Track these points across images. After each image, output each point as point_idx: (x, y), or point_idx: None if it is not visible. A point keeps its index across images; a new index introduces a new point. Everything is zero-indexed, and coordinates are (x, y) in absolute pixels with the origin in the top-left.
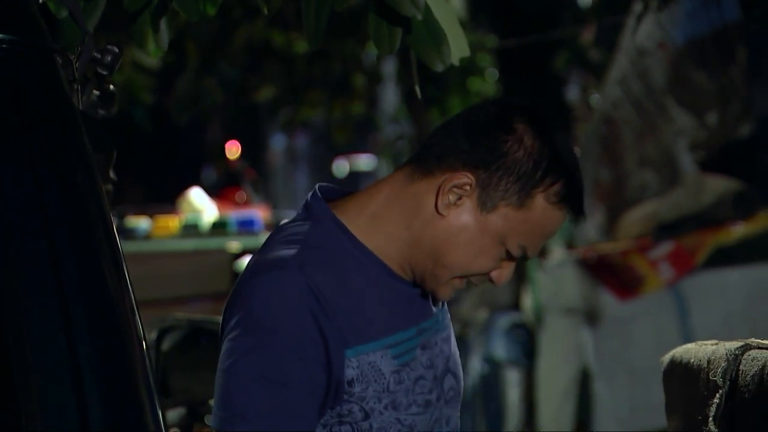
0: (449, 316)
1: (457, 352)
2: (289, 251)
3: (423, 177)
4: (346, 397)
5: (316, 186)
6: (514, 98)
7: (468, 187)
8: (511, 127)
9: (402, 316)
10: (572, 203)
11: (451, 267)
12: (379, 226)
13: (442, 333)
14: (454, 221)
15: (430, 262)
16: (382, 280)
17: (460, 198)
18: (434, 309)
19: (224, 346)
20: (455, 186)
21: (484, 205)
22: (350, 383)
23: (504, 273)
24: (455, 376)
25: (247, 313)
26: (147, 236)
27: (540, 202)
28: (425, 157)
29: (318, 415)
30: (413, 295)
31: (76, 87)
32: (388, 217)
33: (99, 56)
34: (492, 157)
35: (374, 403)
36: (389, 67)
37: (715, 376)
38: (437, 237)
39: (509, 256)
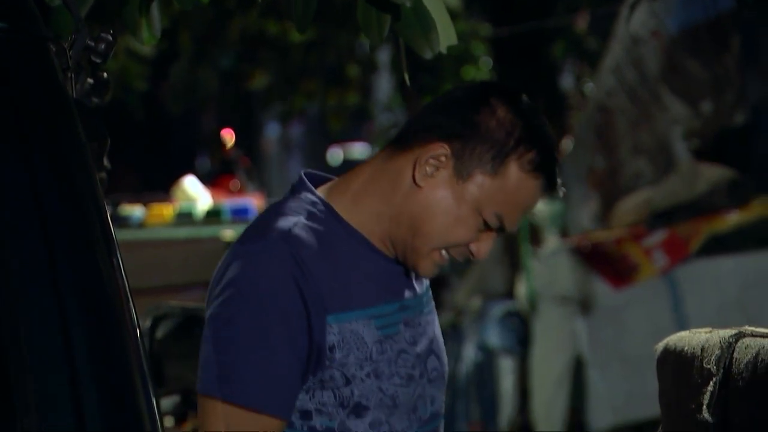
0: (434, 302)
1: (442, 338)
2: (274, 223)
3: (401, 153)
4: (327, 363)
5: (302, 172)
6: (491, 81)
7: (444, 158)
8: (485, 101)
9: (385, 290)
10: (546, 173)
11: (429, 237)
12: (362, 203)
13: (426, 315)
14: (432, 192)
15: (410, 234)
16: (365, 254)
17: (437, 169)
18: (417, 289)
19: (208, 313)
20: (431, 157)
21: (460, 174)
22: (331, 349)
23: (483, 246)
24: (439, 358)
25: (230, 280)
26: (141, 224)
27: (514, 170)
28: (403, 136)
29: (301, 379)
30: (396, 272)
31: (69, 75)
32: (370, 195)
33: (93, 44)
34: (466, 127)
35: (356, 369)
36: (384, 57)
37: (708, 364)
38: (416, 209)
39: (487, 227)
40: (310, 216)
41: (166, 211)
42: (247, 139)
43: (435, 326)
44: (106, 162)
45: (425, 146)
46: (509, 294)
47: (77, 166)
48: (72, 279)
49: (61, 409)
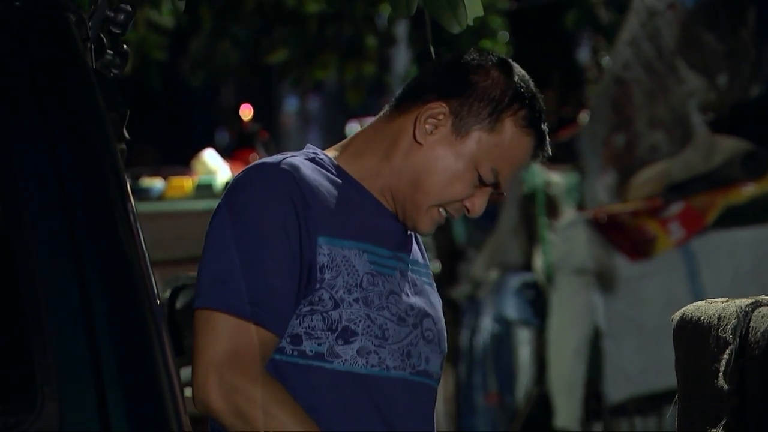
0: (435, 283)
1: (443, 318)
2: (275, 158)
3: (402, 113)
4: (317, 285)
5: (307, 145)
6: (483, 49)
7: (442, 116)
8: (479, 64)
9: (381, 235)
10: (537, 130)
11: (429, 193)
12: (363, 159)
13: (425, 283)
14: (431, 148)
15: (410, 189)
16: (363, 201)
17: (436, 127)
18: (418, 257)
19: (208, 228)
20: (430, 116)
21: (459, 131)
22: (321, 269)
23: (478, 201)
24: (435, 322)
25: (229, 197)
26: (161, 197)
27: (509, 126)
28: (403, 98)
29: (295, 297)
30: (395, 227)
31: (89, 46)
32: (371, 152)
33: (112, 15)
34: (463, 86)
35: (344, 293)
36: (401, 30)
37: (725, 333)
38: (416, 165)
39: (482, 183)
40: (313, 160)
41: (185, 183)
42: (266, 112)
43: (435, 299)
44: (125, 133)
45: (424, 105)
46: (526, 266)
47: (97, 137)
48: (93, 250)
49: (82, 378)
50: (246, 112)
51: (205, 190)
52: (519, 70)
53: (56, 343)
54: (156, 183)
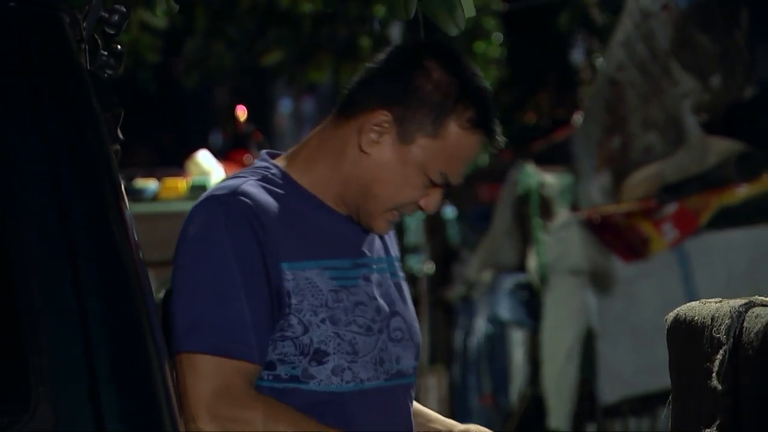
0: (401, 267)
1: (412, 307)
2: (226, 183)
3: (346, 121)
4: (287, 310)
5: (263, 151)
6: (423, 38)
7: (386, 124)
8: (420, 64)
9: (339, 246)
10: (485, 127)
11: (379, 200)
12: (313, 168)
13: (391, 278)
14: (378, 157)
15: (361, 198)
16: (317, 212)
17: (380, 135)
18: (382, 253)
19: (173, 268)
20: (374, 124)
21: (403, 138)
22: (288, 295)
23: (431, 200)
24: (404, 319)
25: (188, 234)
26: (155, 198)
27: (453, 129)
28: (347, 103)
29: (270, 323)
30: (352, 231)
31: (83, 46)
32: (320, 161)
33: (106, 16)
34: (405, 93)
35: (311, 315)
36: (395, 31)
37: (718, 333)
38: (364, 174)
39: (434, 184)
40: (263, 178)
41: (179, 184)
42: (260, 114)
43: (403, 292)
44: (119, 133)
45: (368, 114)
46: (520, 267)
47: (91, 137)
48: (87, 250)
49: (77, 379)
50: (240, 113)
51: (199, 191)
52: (464, 63)
53: (51, 343)
54: (150, 184)
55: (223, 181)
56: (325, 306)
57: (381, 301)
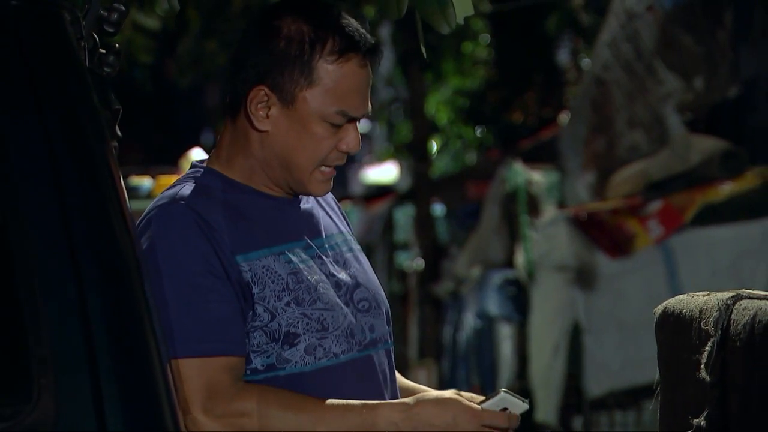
0: (356, 240)
1: (374, 276)
2: (165, 193)
3: (237, 111)
4: (251, 300)
5: (192, 161)
6: (272, 4)
7: (266, 97)
8: (272, 27)
9: (289, 230)
10: (352, 49)
11: (302, 165)
12: (235, 164)
13: (347, 252)
14: (276, 130)
15: (286, 172)
16: (254, 201)
17: (268, 108)
18: (333, 229)
19: None
20: (257, 103)
21: (287, 101)
22: (249, 285)
23: (349, 139)
24: (368, 289)
25: (144, 248)
26: (149, 195)
27: (324, 68)
28: (228, 101)
29: (241, 315)
30: (294, 214)
31: (83, 44)
32: (236, 155)
33: (105, 14)
34: (269, 63)
35: (275, 301)
36: (384, 31)
37: (707, 326)
38: (275, 150)
39: (340, 125)
40: (197, 180)
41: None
42: None
43: (362, 263)
44: (117, 131)
45: (247, 97)
46: (508, 263)
47: (92, 134)
48: (89, 244)
49: (78, 371)
50: None
51: None
52: (311, 3)
53: (52, 335)
54: (144, 181)
55: (162, 192)
56: (287, 289)
57: (341, 275)
